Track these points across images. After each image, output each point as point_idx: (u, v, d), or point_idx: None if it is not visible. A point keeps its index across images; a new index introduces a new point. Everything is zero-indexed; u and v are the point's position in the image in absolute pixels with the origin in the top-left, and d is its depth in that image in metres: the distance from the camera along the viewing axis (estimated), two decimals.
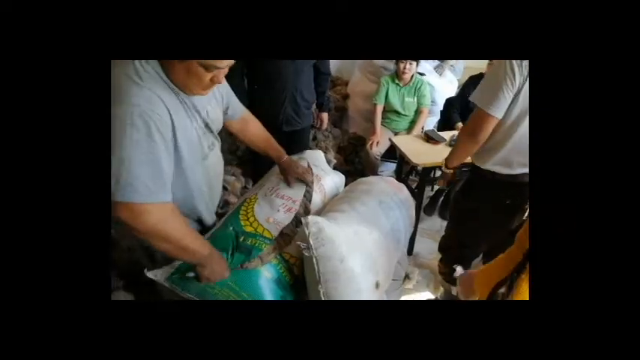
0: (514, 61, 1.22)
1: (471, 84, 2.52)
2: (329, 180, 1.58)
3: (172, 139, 0.98)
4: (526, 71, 1.21)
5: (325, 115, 2.46)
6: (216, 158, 1.25)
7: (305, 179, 1.42)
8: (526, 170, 1.38)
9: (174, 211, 0.98)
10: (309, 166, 1.57)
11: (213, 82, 1.01)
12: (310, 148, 2.19)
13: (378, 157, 2.78)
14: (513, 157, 1.38)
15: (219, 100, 1.23)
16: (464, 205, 1.65)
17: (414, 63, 2.70)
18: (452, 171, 1.64)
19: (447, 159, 1.63)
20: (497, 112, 1.30)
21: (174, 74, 0.99)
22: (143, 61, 0.96)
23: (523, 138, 1.33)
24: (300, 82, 2.03)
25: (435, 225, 2.68)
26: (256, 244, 1.18)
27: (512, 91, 1.25)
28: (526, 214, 1.52)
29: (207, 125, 1.15)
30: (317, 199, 1.47)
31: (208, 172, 1.20)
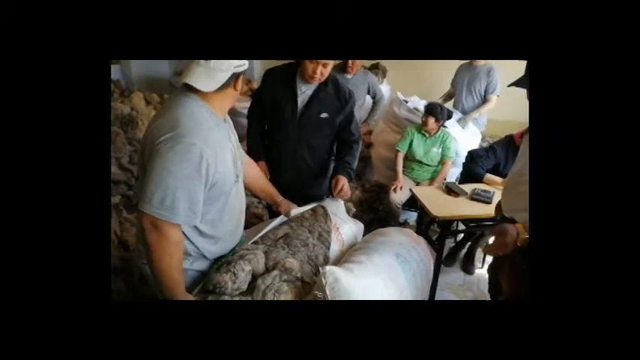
0: None
1: (497, 146, 2.54)
2: (347, 229, 1.63)
3: (214, 173, 1.13)
4: None
5: (342, 180, 1.75)
6: (240, 191, 1.37)
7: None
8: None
9: (183, 241, 1.16)
10: (326, 213, 1.63)
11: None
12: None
13: (399, 206, 2.81)
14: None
15: (235, 133, 1.38)
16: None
17: (432, 117, 2.78)
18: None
19: None
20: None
21: (232, 100, 1.22)
22: (203, 103, 1.14)
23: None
24: (302, 165, 1.89)
25: (458, 279, 2.63)
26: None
27: None
28: None
29: (234, 151, 1.29)
30: (335, 248, 1.52)
31: (233, 203, 1.31)
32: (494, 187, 2.37)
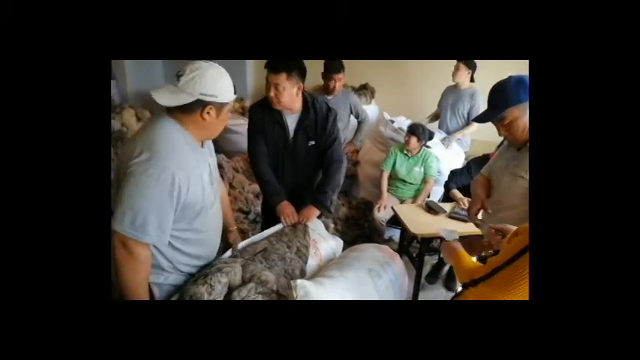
0: None
1: (472, 164, 2.66)
2: (325, 245, 1.69)
3: (186, 195, 1.17)
4: None
5: (309, 212, 1.78)
6: (217, 212, 1.42)
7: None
8: None
9: (149, 259, 1.18)
10: (305, 229, 1.69)
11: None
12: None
13: (384, 223, 2.87)
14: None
15: (214, 156, 1.42)
16: None
17: (415, 137, 2.87)
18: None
19: None
20: None
21: (206, 130, 1.22)
22: (180, 127, 1.17)
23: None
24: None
25: (439, 295, 2.66)
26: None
27: None
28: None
29: (210, 174, 1.33)
30: (313, 263, 1.58)
31: (212, 221, 1.37)
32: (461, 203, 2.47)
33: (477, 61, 3.28)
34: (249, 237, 1.76)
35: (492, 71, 3.56)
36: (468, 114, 3.36)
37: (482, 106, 3.29)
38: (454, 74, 3.30)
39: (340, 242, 1.84)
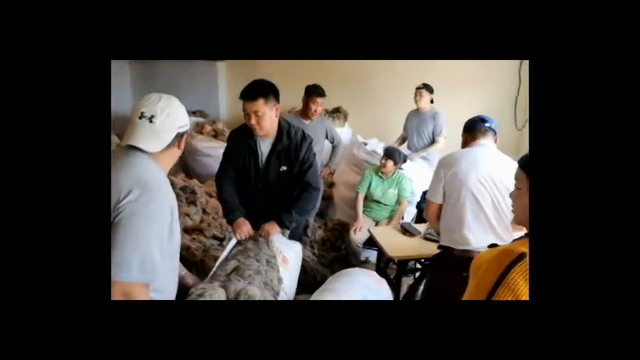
0: (441, 168, 1.79)
1: None
2: (289, 251, 1.77)
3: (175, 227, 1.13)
4: (449, 171, 1.73)
5: (272, 226, 1.79)
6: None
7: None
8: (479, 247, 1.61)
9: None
10: (267, 240, 1.73)
11: None
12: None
13: (360, 245, 2.91)
14: (465, 234, 1.69)
15: None
16: (437, 281, 1.85)
17: (391, 161, 2.97)
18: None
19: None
20: (434, 198, 1.81)
21: (176, 158, 1.20)
22: (154, 162, 1.11)
23: (466, 218, 1.68)
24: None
25: None
26: None
27: (441, 184, 1.76)
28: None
29: None
30: (283, 270, 1.62)
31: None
32: None
33: (435, 87, 3.45)
34: None
35: (450, 95, 3.82)
36: (433, 133, 3.51)
37: (444, 125, 3.45)
38: (418, 100, 3.45)
39: (299, 245, 1.92)
